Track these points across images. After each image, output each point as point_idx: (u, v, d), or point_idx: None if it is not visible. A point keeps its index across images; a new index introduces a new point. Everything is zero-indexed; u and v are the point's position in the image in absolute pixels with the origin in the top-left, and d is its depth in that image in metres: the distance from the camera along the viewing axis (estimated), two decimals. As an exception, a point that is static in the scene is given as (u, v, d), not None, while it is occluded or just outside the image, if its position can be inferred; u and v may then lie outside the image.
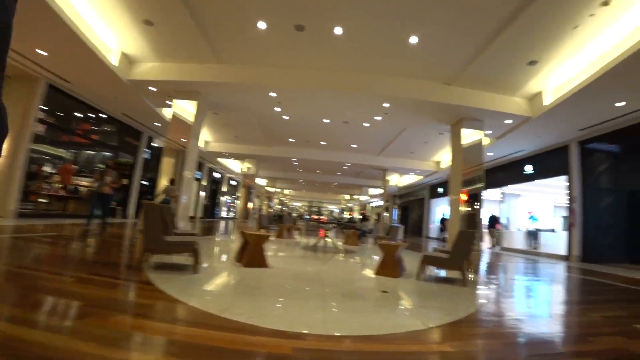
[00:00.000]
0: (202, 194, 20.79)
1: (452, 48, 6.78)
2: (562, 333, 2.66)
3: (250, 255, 4.42)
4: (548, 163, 10.99)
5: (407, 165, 16.93)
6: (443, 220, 17.12)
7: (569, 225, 9.83)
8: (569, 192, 9.86)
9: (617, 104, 7.15)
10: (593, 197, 9.49)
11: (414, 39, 6.53)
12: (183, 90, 8.80)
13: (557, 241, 10.92)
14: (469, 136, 9.09)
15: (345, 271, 5.19)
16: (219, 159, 19.64)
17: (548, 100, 7.69)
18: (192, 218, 17.05)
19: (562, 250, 10.07)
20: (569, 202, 9.86)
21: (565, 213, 11.53)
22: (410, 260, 5.68)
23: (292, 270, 4.57)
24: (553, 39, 6.05)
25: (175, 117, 8.91)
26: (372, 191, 30.09)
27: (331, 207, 54.23)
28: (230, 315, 2.33)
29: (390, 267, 4.63)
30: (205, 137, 15.46)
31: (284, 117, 11.04)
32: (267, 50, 7.46)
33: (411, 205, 25.18)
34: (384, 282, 4.14)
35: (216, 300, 2.85)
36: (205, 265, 4.25)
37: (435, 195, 20.56)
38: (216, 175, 23.74)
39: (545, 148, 10.85)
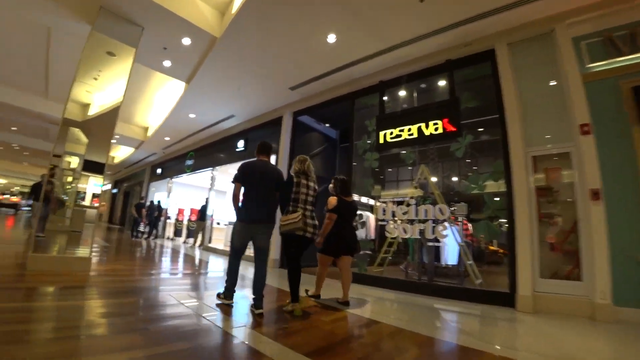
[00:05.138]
0: None
1: None
2: None
3: None
4: (261, 140, 8.34)
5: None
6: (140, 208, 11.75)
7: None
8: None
9: (330, 39, 4.67)
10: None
11: None
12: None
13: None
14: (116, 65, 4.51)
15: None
16: None
17: (236, 6, 4.37)
18: None
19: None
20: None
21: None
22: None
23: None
24: None
25: None
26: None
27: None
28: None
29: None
30: None
31: None
32: None
33: (133, 191, 19.09)
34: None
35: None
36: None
37: (155, 177, 15.30)
38: None
39: (260, 118, 8.13)
